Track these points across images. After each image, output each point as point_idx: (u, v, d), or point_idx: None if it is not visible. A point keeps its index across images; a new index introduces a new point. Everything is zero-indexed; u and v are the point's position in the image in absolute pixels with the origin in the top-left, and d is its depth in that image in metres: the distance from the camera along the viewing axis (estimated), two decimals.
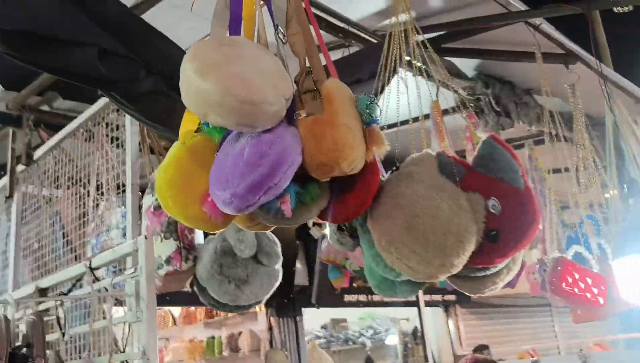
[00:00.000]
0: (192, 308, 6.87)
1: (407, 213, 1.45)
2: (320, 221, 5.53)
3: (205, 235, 2.44)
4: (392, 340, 8.47)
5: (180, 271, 2.30)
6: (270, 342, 5.99)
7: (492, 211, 1.55)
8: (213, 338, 6.49)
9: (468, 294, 1.81)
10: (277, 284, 2.37)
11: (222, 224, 1.38)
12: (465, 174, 1.62)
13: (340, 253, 2.41)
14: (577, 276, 2.19)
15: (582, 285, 2.18)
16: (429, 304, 7.28)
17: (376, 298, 6.71)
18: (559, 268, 2.22)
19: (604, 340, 7.64)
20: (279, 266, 2.36)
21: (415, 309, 7.50)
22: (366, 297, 6.58)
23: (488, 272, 1.68)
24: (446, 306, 7.73)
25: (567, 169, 3.96)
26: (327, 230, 5.15)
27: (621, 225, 2.21)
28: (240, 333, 6.21)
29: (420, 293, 6.37)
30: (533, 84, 3.99)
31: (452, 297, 7.53)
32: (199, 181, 1.33)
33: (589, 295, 2.18)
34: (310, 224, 6.05)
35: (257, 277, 2.29)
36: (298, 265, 6.02)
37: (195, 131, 1.41)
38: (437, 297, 7.33)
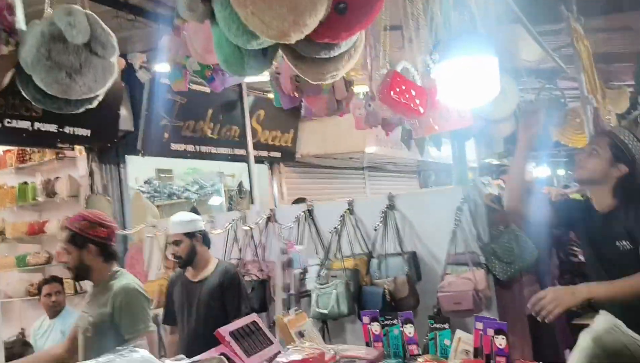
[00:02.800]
0: (0, 152, 6.32)
1: None
2: (147, 66, 5.17)
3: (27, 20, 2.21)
4: (217, 200, 8.66)
5: None
6: (91, 188, 5.79)
7: None
8: (26, 183, 6.07)
9: (311, 80, 1.91)
10: (112, 80, 2.26)
11: None
12: None
13: (181, 50, 2.34)
14: (404, 87, 2.40)
15: (407, 96, 2.40)
16: (255, 160, 7.51)
17: (204, 149, 6.74)
18: (388, 79, 2.41)
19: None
20: (114, 59, 2.23)
21: (240, 165, 7.72)
22: (194, 147, 6.58)
23: (332, 54, 1.78)
24: (271, 163, 8.06)
25: None
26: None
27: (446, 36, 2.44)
28: (57, 179, 5.88)
29: (250, 148, 6.52)
30: None
31: (277, 154, 7.85)
32: None
33: (412, 105, 2.42)
34: (137, 66, 5.75)
35: (90, 68, 2.15)
36: (123, 110, 5.76)
37: None
38: (264, 153, 7.58)
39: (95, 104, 2.35)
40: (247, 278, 4.54)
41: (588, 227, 2.87)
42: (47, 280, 5.18)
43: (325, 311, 3.93)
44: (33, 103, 2.30)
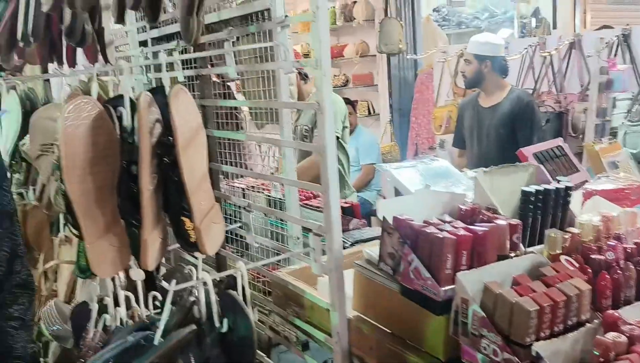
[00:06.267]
0: None
1: None
2: None
3: None
4: (505, 32, 8.05)
5: None
6: (385, 12, 5.86)
7: None
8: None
9: None
10: None
11: None
12: None
13: None
14: None
15: None
16: None
17: None
18: None
19: None
20: None
21: None
22: None
23: None
24: None
25: None
26: None
27: None
28: (354, 3, 6.07)
29: None
30: None
31: None
32: None
33: None
34: None
35: None
36: None
37: None
38: None
39: None
40: (542, 109, 4.26)
41: None
42: None
43: (635, 151, 3.50)
44: None
